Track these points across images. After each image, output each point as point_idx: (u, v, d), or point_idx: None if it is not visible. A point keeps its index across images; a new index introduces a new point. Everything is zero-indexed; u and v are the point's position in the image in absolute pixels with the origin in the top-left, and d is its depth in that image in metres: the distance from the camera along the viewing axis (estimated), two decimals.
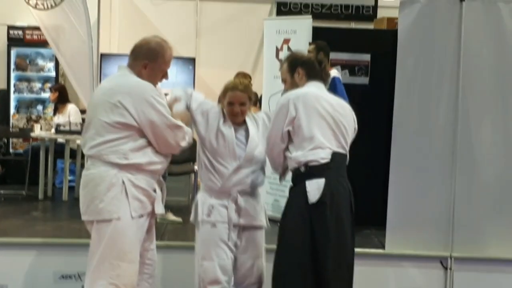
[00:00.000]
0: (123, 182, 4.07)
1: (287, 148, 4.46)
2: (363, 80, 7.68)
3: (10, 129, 9.95)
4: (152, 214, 4.35)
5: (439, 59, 6.28)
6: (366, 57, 7.69)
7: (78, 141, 8.57)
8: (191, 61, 10.01)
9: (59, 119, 9.31)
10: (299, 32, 7.75)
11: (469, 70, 6.23)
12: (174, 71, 8.51)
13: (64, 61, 8.26)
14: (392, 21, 8.37)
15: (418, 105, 6.27)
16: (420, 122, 6.26)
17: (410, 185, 6.22)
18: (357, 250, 4.60)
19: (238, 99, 4.70)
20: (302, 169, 4.33)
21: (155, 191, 4.28)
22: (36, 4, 8.06)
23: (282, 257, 4.36)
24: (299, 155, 4.34)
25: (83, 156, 8.14)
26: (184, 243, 6.10)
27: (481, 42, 6.28)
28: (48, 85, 10.27)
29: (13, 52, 10.33)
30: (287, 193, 7.47)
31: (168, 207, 7.26)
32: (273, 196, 7.56)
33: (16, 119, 10.33)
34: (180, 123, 4.32)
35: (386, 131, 6.50)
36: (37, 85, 10.55)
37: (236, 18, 10.67)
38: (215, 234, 4.63)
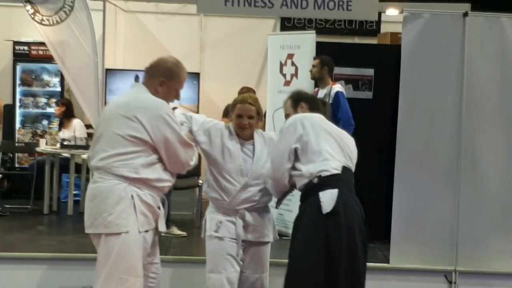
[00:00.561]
0: (132, 197, 4.08)
1: (294, 168, 4.46)
2: (367, 94, 7.68)
3: (16, 144, 9.96)
4: (156, 230, 4.35)
5: (442, 74, 6.29)
6: (370, 71, 7.69)
7: (83, 156, 8.59)
8: (196, 76, 10.03)
9: (64, 134, 9.32)
10: (303, 47, 7.75)
11: (472, 84, 6.24)
12: None
13: (69, 76, 8.29)
14: (395, 35, 8.39)
15: (422, 119, 6.28)
16: (424, 137, 6.27)
17: (414, 199, 6.22)
18: None
19: (247, 112, 4.68)
20: (315, 180, 4.32)
21: (159, 208, 4.29)
22: (42, 20, 8.09)
23: (295, 269, 4.33)
24: (310, 167, 4.34)
25: (88, 170, 8.17)
26: (189, 257, 6.10)
27: (484, 56, 6.29)
28: (54, 100, 10.28)
29: (19, 67, 10.34)
30: (291, 207, 7.49)
31: (172, 221, 7.29)
32: (277, 210, 7.54)
33: (21, 134, 10.34)
34: (191, 142, 4.36)
35: (390, 145, 6.49)
36: (43, 100, 10.56)
37: (240, 33, 10.69)
38: (223, 248, 4.64)
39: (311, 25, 10.60)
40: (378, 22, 10.56)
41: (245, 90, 9.03)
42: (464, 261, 6.20)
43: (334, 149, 4.42)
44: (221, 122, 4.86)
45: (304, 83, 7.57)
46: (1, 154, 9.56)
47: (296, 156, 4.45)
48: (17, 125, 10.32)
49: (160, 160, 4.20)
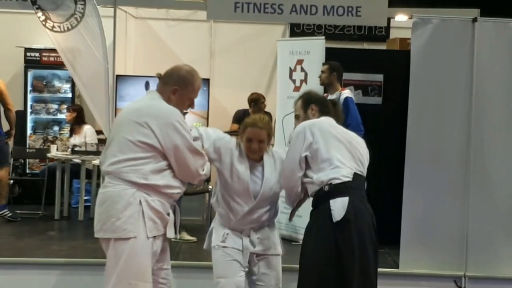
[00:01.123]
0: (140, 202, 4.08)
1: (305, 175, 4.44)
2: (376, 100, 7.67)
3: (27, 150, 10.00)
4: (165, 236, 4.34)
5: (451, 79, 6.28)
6: (379, 77, 7.69)
7: (94, 162, 8.62)
8: (206, 82, 10.04)
9: (75, 140, 9.36)
10: (312, 53, 7.76)
11: (481, 89, 6.23)
12: None
13: (80, 83, 8.32)
14: (404, 41, 8.38)
15: (431, 124, 6.27)
16: (433, 142, 6.26)
17: (424, 204, 6.21)
18: None
19: (257, 136, 4.59)
20: (326, 188, 4.29)
21: (168, 214, 4.28)
22: (53, 26, 8.13)
23: (306, 279, 4.31)
24: (321, 175, 4.32)
25: (99, 176, 8.21)
26: (199, 263, 6.10)
27: (493, 61, 6.28)
28: (65, 106, 10.32)
29: (30, 74, 10.39)
30: (301, 213, 7.43)
31: (182, 227, 7.29)
32: (286, 215, 7.54)
33: (32, 140, 10.39)
34: (202, 151, 4.36)
35: (399, 151, 6.48)
36: (54, 106, 10.60)
37: (249, 39, 10.71)
38: (229, 254, 4.63)
39: (321, 31, 10.62)
40: (387, 28, 10.56)
41: (255, 96, 9.05)
42: (473, 266, 6.18)
43: (344, 155, 4.39)
44: (232, 140, 4.77)
45: (314, 89, 7.58)
46: (13, 160, 9.59)
47: (307, 163, 4.43)
48: (28, 131, 10.37)
49: (170, 167, 4.19)
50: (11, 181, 9.56)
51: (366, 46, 10.73)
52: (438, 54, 6.28)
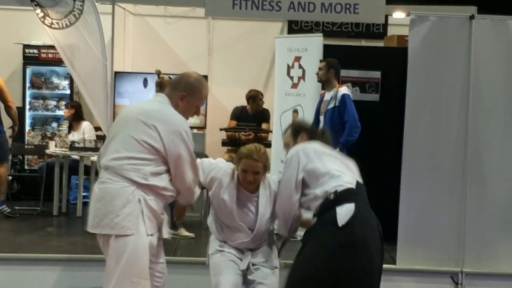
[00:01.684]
0: (139, 201, 4.09)
1: (304, 195, 4.41)
2: (374, 97, 7.69)
3: (25, 146, 9.99)
4: (160, 235, 4.38)
5: (449, 76, 6.29)
6: (377, 74, 7.71)
7: (92, 158, 8.61)
8: (204, 78, 10.04)
9: (73, 136, 9.36)
10: (310, 50, 7.77)
11: (478, 86, 6.24)
12: None
13: (78, 79, 8.31)
14: (402, 38, 8.39)
15: (429, 121, 6.28)
16: (430, 139, 6.27)
17: (421, 201, 6.23)
18: None
19: (253, 168, 4.57)
20: (331, 196, 4.23)
21: (162, 214, 4.31)
22: (52, 23, 8.12)
23: (300, 273, 4.24)
24: (324, 187, 4.29)
25: (97, 172, 8.18)
26: (197, 259, 6.10)
27: (491, 58, 6.30)
28: (63, 103, 10.32)
29: (29, 70, 10.38)
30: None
31: (181, 223, 7.30)
32: None
33: (31, 136, 10.38)
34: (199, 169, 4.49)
35: (396, 148, 6.49)
36: (52, 103, 10.59)
37: (248, 36, 10.70)
38: (226, 256, 4.67)
39: (318, 28, 10.60)
40: (385, 25, 10.55)
41: (253, 92, 9.06)
42: (470, 263, 6.20)
43: (341, 168, 4.40)
44: (227, 168, 4.77)
45: (311, 86, 7.60)
46: (11, 156, 9.59)
47: (304, 184, 4.40)
48: (27, 127, 10.35)
49: (168, 171, 4.22)
50: (10, 177, 9.55)
51: (364, 43, 10.72)
52: (435, 51, 6.29)
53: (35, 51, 10.25)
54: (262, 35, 10.42)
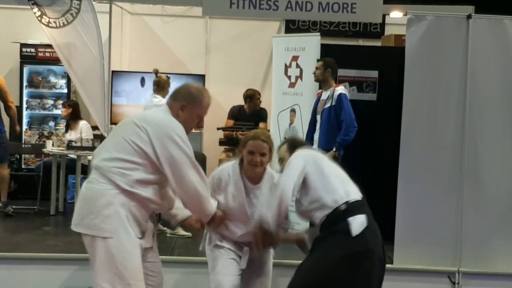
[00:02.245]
0: (120, 204, 4.04)
1: (310, 202, 4.35)
2: (371, 96, 7.68)
3: (23, 145, 9.97)
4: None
5: (446, 75, 6.29)
6: (374, 73, 7.70)
7: (89, 157, 8.58)
8: (201, 77, 10.05)
9: (71, 135, 9.34)
10: (308, 49, 7.77)
11: (475, 86, 6.24)
12: None
13: (75, 78, 8.30)
14: (399, 38, 8.39)
15: (426, 121, 6.27)
16: (427, 138, 6.26)
17: (418, 200, 6.22)
18: None
19: (259, 149, 4.57)
20: (343, 207, 4.22)
21: (147, 222, 4.25)
22: (49, 22, 8.11)
23: (308, 281, 4.19)
24: (335, 196, 4.27)
25: None
26: (194, 258, 6.09)
27: (488, 58, 6.29)
28: (60, 102, 10.30)
29: (26, 69, 10.36)
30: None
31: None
32: None
33: (28, 135, 10.37)
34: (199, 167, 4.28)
35: (393, 147, 6.49)
36: (49, 102, 10.57)
37: (245, 36, 10.70)
38: (226, 252, 4.66)
39: (316, 27, 10.60)
40: (382, 25, 10.57)
41: (250, 92, 9.04)
42: (467, 262, 6.19)
43: (346, 177, 4.42)
44: (219, 170, 4.79)
45: (309, 85, 7.60)
46: (8, 155, 9.57)
47: (308, 186, 4.35)
48: (24, 126, 10.33)
49: (158, 182, 4.16)
50: None
51: (361, 42, 10.73)
52: (432, 51, 6.28)
53: (32, 50, 10.23)
54: (259, 34, 10.42)
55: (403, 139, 6.27)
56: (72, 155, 8.84)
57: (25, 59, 10.28)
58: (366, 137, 7.12)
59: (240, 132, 8.65)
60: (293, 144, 4.71)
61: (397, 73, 6.79)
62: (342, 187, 4.32)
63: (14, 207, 8.62)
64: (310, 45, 7.77)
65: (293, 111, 7.94)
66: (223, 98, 10.06)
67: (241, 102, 9.10)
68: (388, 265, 6.11)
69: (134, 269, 4.08)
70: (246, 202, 4.64)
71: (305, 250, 4.54)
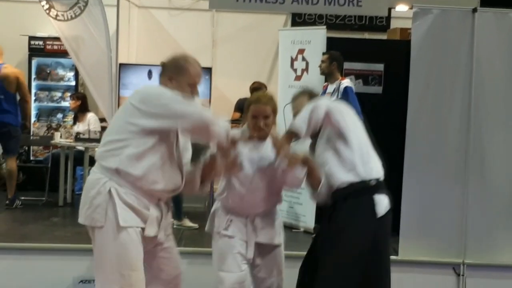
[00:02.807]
0: (110, 192, 3.93)
1: (342, 157, 4.24)
2: (377, 89, 7.67)
3: (31, 137, 10.00)
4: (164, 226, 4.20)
5: (451, 68, 6.28)
6: (380, 66, 7.69)
7: (97, 149, 8.61)
8: (208, 71, 10.03)
9: (79, 127, 9.36)
10: (314, 42, 7.76)
11: (481, 78, 6.23)
12: None
13: (83, 71, 8.31)
14: (405, 31, 8.37)
15: (431, 113, 6.27)
16: (433, 131, 6.26)
17: (423, 192, 6.22)
18: None
19: (262, 112, 4.44)
20: (373, 182, 4.19)
21: (148, 210, 4.04)
22: (57, 15, 8.11)
23: (341, 271, 4.15)
24: (366, 168, 4.22)
25: None
26: (201, 249, 6.11)
27: (493, 51, 6.28)
28: (68, 94, 10.32)
29: (34, 62, 10.38)
30: (301, 200, 7.43)
31: (185, 213, 7.32)
32: (287, 203, 7.56)
33: (36, 127, 10.38)
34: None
35: (399, 140, 6.48)
36: (57, 94, 10.60)
37: (251, 29, 10.68)
38: (233, 246, 4.50)
39: (322, 20, 10.57)
40: (388, 18, 10.53)
41: (256, 85, 9.03)
42: (472, 254, 6.19)
43: (370, 145, 4.37)
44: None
45: (315, 78, 7.58)
46: None
47: (342, 142, 4.24)
48: (32, 118, 10.35)
49: (151, 151, 3.95)
50: None
51: (367, 36, 10.70)
52: (438, 44, 6.27)
53: (41, 42, 10.25)
54: (266, 27, 10.39)
55: (409, 132, 6.26)
56: (80, 147, 8.86)
57: (33, 52, 10.30)
58: (372, 130, 7.09)
59: None
60: (312, 95, 4.62)
61: (402, 66, 6.77)
62: (376, 162, 4.28)
63: (22, 198, 8.65)
64: (316, 39, 7.76)
65: None
66: (230, 91, 10.07)
67: (248, 94, 9.09)
68: (392, 257, 6.16)
69: (127, 259, 3.95)
70: (250, 161, 4.45)
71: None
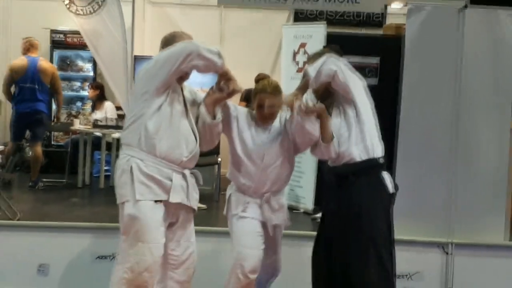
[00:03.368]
0: (131, 168, 3.92)
1: (360, 129, 4.22)
2: (373, 81, 7.63)
3: (52, 123, 10.02)
4: (185, 207, 4.15)
5: (442, 63, 6.25)
6: (376, 59, 7.66)
7: (113, 135, 8.65)
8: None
9: (96, 114, 9.38)
10: (315, 37, 7.74)
11: (469, 72, 6.21)
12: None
13: (101, 63, 8.30)
14: (400, 27, 8.33)
15: (422, 104, 6.26)
16: (424, 120, 6.25)
17: (415, 177, 6.20)
18: None
19: (268, 102, 4.37)
20: (381, 160, 4.14)
21: (171, 180, 3.99)
22: (77, 10, 8.09)
23: (380, 248, 4.19)
24: (374, 146, 4.16)
25: (118, 148, 8.23)
26: (209, 228, 6.09)
27: (482, 47, 6.25)
28: (87, 84, 10.34)
29: (56, 54, 10.41)
30: (302, 183, 7.41)
31: None
32: (289, 185, 7.53)
33: None
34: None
35: (392, 127, 6.47)
36: (77, 84, 10.63)
37: (257, 24, 10.67)
38: (254, 225, 4.38)
39: (322, 16, 10.53)
40: (384, 14, 10.50)
41: (261, 76, 8.98)
42: (459, 234, 6.18)
43: None
44: (239, 107, 4.60)
45: None
46: None
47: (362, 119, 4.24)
48: (54, 106, 10.37)
49: (164, 112, 3.94)
50: None
51: (363, 31, 10.67)
52: (430, 40, 6.24)
53: (62, 36, 10.28)
54: (270, 23, 10.39)
55: (402, 121, 6.26)
56: (98, 133, 8.89)
57: (55, 45, 10.33)
58: None
59: None
60: (337, 51, 4.60)
61: (397, 60, 6.75)
62: (379, 139, 4.23)
63: (44, 180, 8.68)
64: (317, 33, 7.74)
65: None
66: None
67: (253, 85, 9.06)
68: None
69: (142, 231, 3.92)
70: (263, 143, 4.40)
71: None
